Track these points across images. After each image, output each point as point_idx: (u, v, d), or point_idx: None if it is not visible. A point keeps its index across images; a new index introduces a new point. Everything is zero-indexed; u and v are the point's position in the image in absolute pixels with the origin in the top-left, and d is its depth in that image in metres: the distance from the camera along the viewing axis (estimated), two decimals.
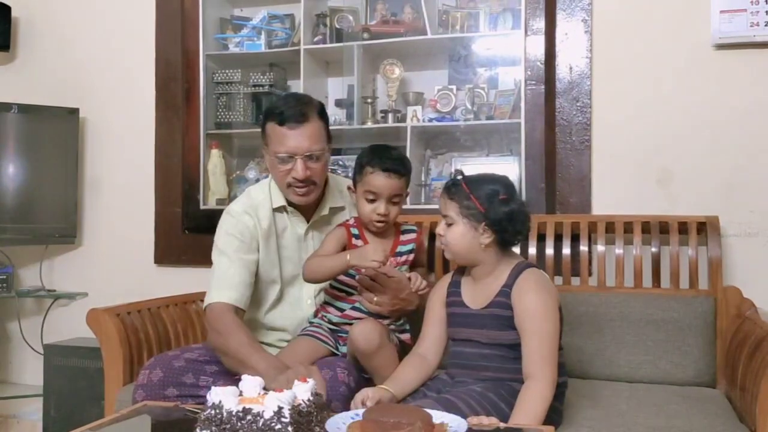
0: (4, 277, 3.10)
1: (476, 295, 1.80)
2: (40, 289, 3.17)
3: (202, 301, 2.49)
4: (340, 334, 2.03)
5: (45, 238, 3.13)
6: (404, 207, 2.61)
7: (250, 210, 2.05)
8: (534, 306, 1.69)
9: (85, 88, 3.20)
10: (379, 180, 1.91)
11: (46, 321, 3.18)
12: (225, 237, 2.04)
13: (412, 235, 2.07)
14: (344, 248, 1.98)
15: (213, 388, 1.34)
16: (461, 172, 1.80)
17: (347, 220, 2.04)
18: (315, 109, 1.99)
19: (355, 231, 2.00)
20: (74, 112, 3.12)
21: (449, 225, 1.76)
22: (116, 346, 2.16)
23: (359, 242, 1.99)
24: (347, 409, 1.67)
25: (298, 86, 2.93)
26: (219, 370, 1.96)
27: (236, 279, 1.98)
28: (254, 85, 3.03)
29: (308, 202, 2.04)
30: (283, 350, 2.03)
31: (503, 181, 1.79)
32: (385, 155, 1.94)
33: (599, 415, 1.83)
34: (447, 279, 1.92)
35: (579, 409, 1.87)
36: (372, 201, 1.93)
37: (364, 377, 1.95)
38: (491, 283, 1.78)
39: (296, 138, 1.93)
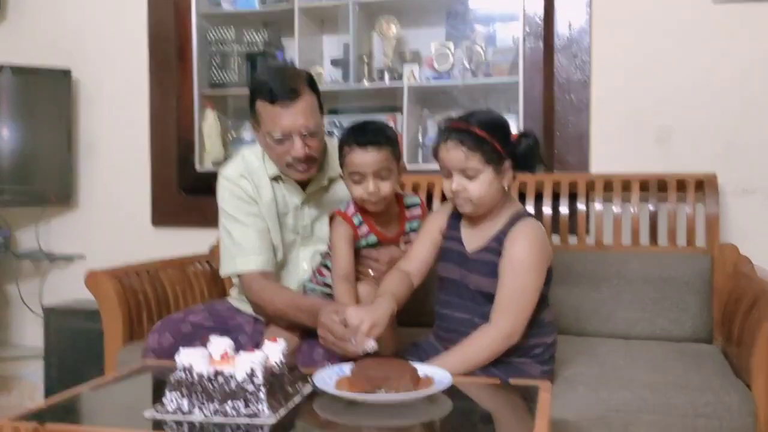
0: (2, 239, 3.10)
1: (474, 236, 1.76)
2: (38, 252, 3.16)
3: (200, 263, 2.52)
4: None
5: (41, 200, 3.11)
6: None
7: (247, 174, 2.00)
8: (520, 256, 1.66)
9: (77, 49, 3.15)
10: (358, 156, 1.78)
11: (45, 283, 3.19)
12: (232, 201, 1.99)
13: (417, 210, 1.98)
14: (354, 242, 1.89)
15: (182, 350, 1.34)
16: (453, 118, 1.71)
17: (346, 209, 1.90)
18: (305, 81, 1.89)
19: (356, 219, 1.89)
20: (67, 73, 3.08)
21: (471, 177, 1.66)
22: (115, 308, 2.16)
23: (364, 228, 1.89)
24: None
25: (292, 45, 2.89)
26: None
27: (257, 243, 1.96)
28: (248, 44, 2.98)
29: (311, 177, 2.00)
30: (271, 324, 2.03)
31: (500, 115, 1.75)
32: (360, 130, 1.82)
33: (595, 371, 1.85)
34: (447, 209, 1.84)
35: (575, 366, 1.89)
36: (359, 181, 1.81)
37: None
38: (489, 226, 1.73)
39: (291, 116, 1.85)
